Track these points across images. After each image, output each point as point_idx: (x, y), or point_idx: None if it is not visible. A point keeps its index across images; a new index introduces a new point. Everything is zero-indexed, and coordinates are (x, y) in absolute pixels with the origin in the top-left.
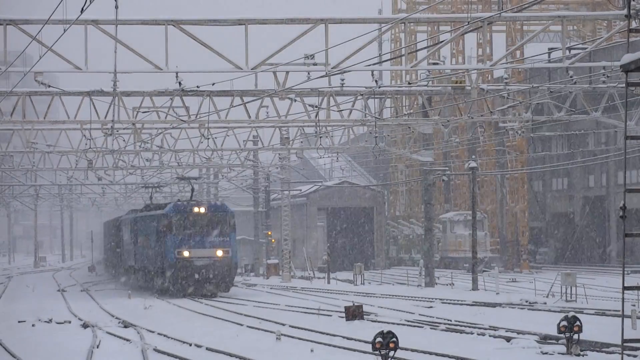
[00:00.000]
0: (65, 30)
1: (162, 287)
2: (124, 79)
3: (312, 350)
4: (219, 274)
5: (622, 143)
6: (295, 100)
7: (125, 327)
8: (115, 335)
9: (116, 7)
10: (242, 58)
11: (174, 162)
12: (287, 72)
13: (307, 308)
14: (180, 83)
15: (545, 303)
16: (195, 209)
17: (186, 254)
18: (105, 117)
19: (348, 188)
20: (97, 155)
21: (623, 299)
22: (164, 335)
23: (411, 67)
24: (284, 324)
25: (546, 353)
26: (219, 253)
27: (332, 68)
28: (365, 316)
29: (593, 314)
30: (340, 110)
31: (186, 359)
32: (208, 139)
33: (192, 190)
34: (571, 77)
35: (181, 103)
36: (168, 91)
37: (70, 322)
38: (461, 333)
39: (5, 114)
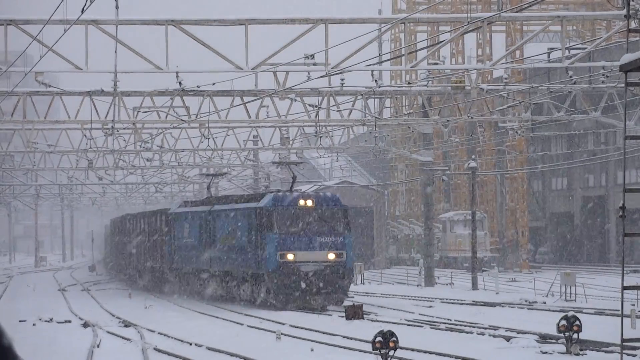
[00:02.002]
0: (65, 31)
1: (253, 296)
2: (125, 79)
3: (312, 350)
4: (331, 282)
5: (621, 143)
6: (295, 100)
7: (126, 326)
8: (115, 335)
9: (116, 7)
10: (242, 58)
11: (174, 162)
12: (287, 72)
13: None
14: (180, 83)
15: (544, 302)
16: (301, 202)
17: (290, 257)
18: (106, 117)
19: (348, 188)
20: (97, 155)
21: (622, 298)
22: (165, 335)
23: (411, 67)
24: (283, 324)
25: (546, 352)
26: (331, 256)
27: (332, 68)
28: (365, 316)
29: (592, 314)
30: (340, 110)
31: (186, 359)
32: (208, 138)
33: (294, 179)
34: (571, 77)
35: (181, 103)
36: (168, 91)
37: (70, 321)
38: (461, 332)
39: (6, 113)
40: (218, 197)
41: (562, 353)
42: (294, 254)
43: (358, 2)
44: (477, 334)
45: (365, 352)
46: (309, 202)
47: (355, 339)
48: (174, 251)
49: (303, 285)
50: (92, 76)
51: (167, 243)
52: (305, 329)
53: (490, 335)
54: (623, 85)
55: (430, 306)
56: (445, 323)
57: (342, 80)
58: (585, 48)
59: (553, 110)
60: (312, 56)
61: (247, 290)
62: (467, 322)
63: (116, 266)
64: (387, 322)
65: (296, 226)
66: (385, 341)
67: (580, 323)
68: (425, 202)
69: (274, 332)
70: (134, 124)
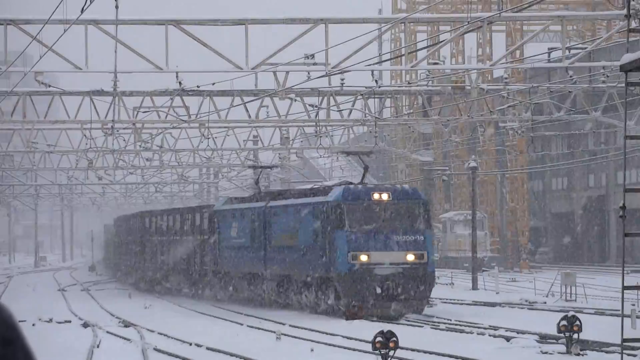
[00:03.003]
0: (65, 30)
1: (317, 303)
2: (124, 79)
3: (312, 350)
4: (409, 287)
5: (621, 143)
6: (295, 100)
7: (126, 326)
8: (115, 335)
9: (116, 7)
10: (242, 58)
11: (174, 162)
12: (287, 72)
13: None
14: (180, 83)
15: (545, 302)
16: (376, 195)
17: (364, 258)
18: (106, 117)
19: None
20: (97, 155)
21: (622, 298)
22: (164, 335)
23: (411, 67)
24: (284, 324)
25: (546, 352)
26: (410, 257)
27: (332, 68)
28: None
29: (593, 314)
30: (340, 110)
31: (186, 359)
32: (208, 138)
33: (366, 169)
34: (571, 77)
35: (181, 103)
36: (168, 91)
37: (70, 321)
38: (461, 332)
39: (5, 113)
40: (272, 192)
41: (562, 353)
42: (368, 255)
43: (358, 2)
44: (477, 334)
45: (365, 352)
46: (384, 196)
47: (355, 339)
48: (219, 252)
49: (378, 290)
50: (92, 76)
51: (210, 243)
52: (305, 329)
53: (490, 335)
54: (623, 85)
55: (431, 306)
56: (445, 323)
57: (342, 80)
58: (585, 48)
59: (553, 110)
60: (312, 56)
61: (310, 296)
62: (468, 322)
63: (127, 268)
64: (387, 322)
65: (370, 223)
66: (385, 341)
67: (581, 323)
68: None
69: (274, 332)
70: (134, 124)
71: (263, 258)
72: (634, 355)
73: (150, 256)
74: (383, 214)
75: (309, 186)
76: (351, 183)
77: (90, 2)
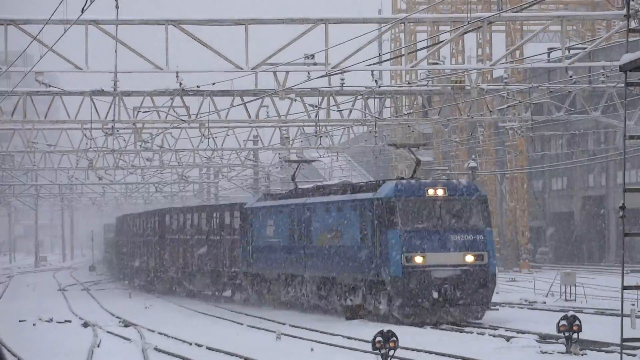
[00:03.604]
0: (65, 30)
1: (366, 307)
2: (125, 79)
3: (312, 350)
4: (469, 291)
5: (621, 143)
6: (295, 100)
7: (126, 326)
8: (115, 335)
9: (116, 7)
10: (242, 58)
11: (175, 162)
12: (287, 72)
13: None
14: (180, 83)
15: (544, 302)
16: (430, 191)
17: (419, 260)
18: (106, 117)
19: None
20: (97, 155)
21: (622, 298)
22: (165, 335)
23: (411, 67)
24: (284, 324)
25: (546, 352)
26: (469, 258)
27: (332, 68)
28: (365, 315)
29: (592, 313)
30: (340, 110)
31: (186, 358)
32: (208, 138)
33: (418, 163)
34: (571, 77)
35: (181, 103)
36: (168, 91)
37: (70, 321)
38: (461, 332)
39: (6, 113)
40: (311, 188)
41: (562, 353)
42: (424, 256)
43: (358, 2)
44: (477, 334)
45: (365, 352)
46: (440, 191)
47: (355, 339)
48: (252, 252)
49: (435, 295)
50: (92, 76)
51: (241, 243)
52: (306, 328)
53: (490, 335)
54: (623, 85)
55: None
56: (445, 323)
57: (342, 80)
58: (585, 48)
59: (553, 110)
60: (312, 56)
61: (356, 300)
62: (467, 322)
63: (136, 269)
64: (387, 322)
65: (425, 221)
66: (386, 341)
67: (580, 323)
68: None
69: (274, 332)
70: (134, 124)
71: (302, 259)
72: (634, 355)
73: (171, 256)
74: (439, 211)
75: (355, 181)
76: (402, 178)
77: (91, 2)
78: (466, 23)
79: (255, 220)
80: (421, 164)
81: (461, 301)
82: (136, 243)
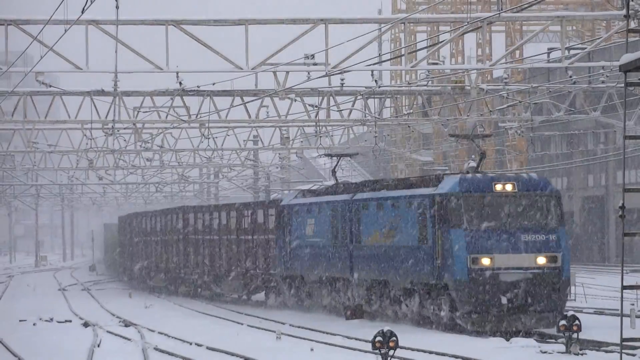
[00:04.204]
0: (66, 31)
1: (421, 314)
2: (125, 79)
3: (312, 350)
4: (541, 296)
5: (621, 143)
6: (295, 100)
7: (126, 326)
8: (116, 335)
9: (117, 7)
10: (242, 58)
11: (175, 162)
12: (287, 72)
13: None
14: (180, 83)
15: None
16: (499, 186)
17: (486, 262)
18: (106, 117)
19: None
20: (97, 155)
21: (622, 298)
22: (165, 334)
23: (411, 67)
24: (284, 323)
25: (545, 352)
26: (541, 260)
27: (332, 68)
28: (364, 315)
29: (592, 313)
30: (340, 110)
31: (187, 358)
32: (208, 138)
33: (483, 155)
34: (571, 77)
35: (182, 103)
36: (168, 91)
37: (71, 321)
38: (461, 332)
39: (6, 113)
40: (359, 183)
41: (562, 353)
42: (491, 258)
43: (358, 2)
44: (477, 333)
45: (365, 352)
46: (509, 186)
47: (355, 339)
48: (289, 253)
49: (504, 300)
50: (92, 76)
51: (277, 243)
52: (305, 328)
53: (490, 335)
54: (623, 85)
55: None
56: (445, 322)
57: (342, 80)
58: (585, 48)
59: (553, 110)
60: (312, 56)
61: (413, 306)
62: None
63: (149, 270)
64: (387, 322)
65: (493, 219)
66: (385, 341)
67: (580, 323)
68: None
69: (274, 331)
70: (134, 124)
71: (349, 260)
72: (634, 355)
73: (196, 258)
74: (508, 208)
75: (412, 176)
76: (467, 172)
77: (91, 3)
78: (466, 23)
79: (293, 218)
80: (485, 157)
81: (532, 308)
82: (151, 243)
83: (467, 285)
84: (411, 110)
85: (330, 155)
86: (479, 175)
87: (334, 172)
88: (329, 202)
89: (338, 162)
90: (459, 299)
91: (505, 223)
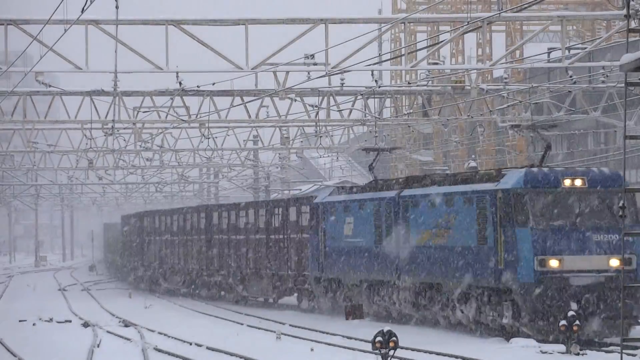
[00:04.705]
0: (65, 30)
1: (477, 320)
2: (125, 79)
3: (312, 350)
4: (614, 302)
5: (621, 143)
6: (295, 100)
7: (126, 326)
8: (115, 335)
9: (116, 7)
10: (242, 58)
11: (175, 162)
12: (287, 72)
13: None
14: (180, 83)
15: None
16: (568, 181)
17: (554, 264)
18: (106, 117)
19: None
20: (97, 154)
21: (622, 297)
22: (165, 335)
23: (411, 67)
24: (284, 324)
25: (546, 352)
26: (614, 263)
27: (332, 68)
28: (365, 315)
29: None
30: (340, 110)
31: (187, 358)
32: (208, 138)
33: (548, 147)
34: (571, 77)
35: (181, 103)
36: (168, 91)
37: (70, 321)
38: (461, 332)
39: (6, 113)
40: (404, 179)
41: (562, 353)
42: (560, 260)
43: (358, 2)
44: (477, 333)
45: (365, 352)
46: (578, 181)
47: (355, 339)
48: (325, 254)
49: (574, 306)
50: (92, 76)
51: (311, 243)
52: (306, 328)
53: (490, 335)
54: (623, 85)
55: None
56: (445, 322)
57: (342, 80)
58: (585, 48)
59: (553, 110)
60: (312, 56)
61: (469, 312)
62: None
63: (165, 272)
64: (387, 322)
65: (562, 217)
66: (385, 341)
67: (580, 323)
68: None
69: (274, 332)
70: (134, 124)
71: (395, 262)
72: (634, 355)
73: (220, 258)
74: (578, 205)
75: (464, 171)
76: (532, 165)
77: (91, 2)
78: (466, 23)
79: (330, 216)
80: (549, 151)
81: (604, 314)
82: (167, 243)
83: (533, 290)
84: (411, 110)
85: (368, 150)
86: (545, 169)
87: (371, 167)
88: (372, 200)
89: (377, 157)
90: (524, 305)
91: (575, 222)
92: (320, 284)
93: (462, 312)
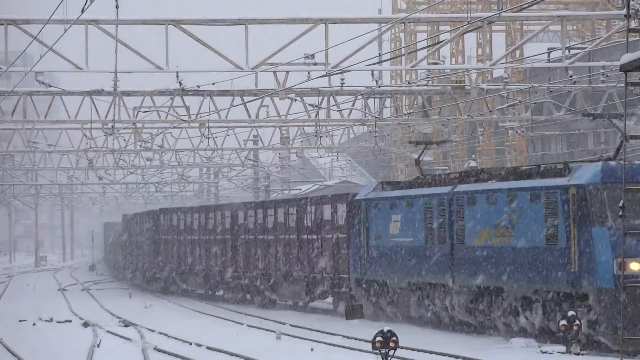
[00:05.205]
0: (65, 30)
1: (543, 328)
2: (125, 79)
3: (312, 350)
4: None
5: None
6: (295, 100)
7: (126, 326)
8: (115, 335)
9: (116, 7)
10: (242, 58)
11: (175, 162)
12: (287, 72)
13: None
14: (180, 83)
15: None
16: None
17: (635, 267)
18: (106, 117)
19: (348, 187)
20: (97, 154)
21: (623, 297)
22: (165, 335)
23: (411, 67)
24: (284, 323)
25: (546, 352)
26: None
27: (332, 68)
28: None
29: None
30: (340, 110)
31: (187, 358)
32: (208, 138)
33: (626, 138)
34: (571, 77)
35: (181, 103)
36: (168, 91)
37: (71, 321)
38: (461, 332)
39: (6, 113)
40: (458, 174)
41: (562, 353)
42: None
43: (358, 2)
44: (477, 333)
45: (365, 352)
46: None
47: (355, 339)
48: (367, 255)
49: None
50: (92, 76)
51: (351, 242)
52: (306, 328)
53: (490, 335)
54: (623, 85)
55: None
56: (445, 322)
57: (342, 80)
58: (585, 48)
59: (553, 110)
60: (312, 56)
61: (534, 319)
62: (468, 321)
63: (183, 273)
64: (387, 322)
65: None
66: (385, 341)
67: (581, 323)
68: None
69: (274, 332)
70: (134, 123)
71: (448, 264)
72: (634, 355)
73: (247, 260)
74: None
75: (528, 165)
76: (609, 158)
77: (91, 2)
78: (466, 23)
79: (372, 214)
80: (628, 139)
81: None
82: (185, 243)
83: (612, 295)
84: (411, 110)
85: (416, 143)
86: (622, 163)
87: (417, 161)
88: (423, 196)
89: (424, 150)
90: (603, 312)
91: None
92: (361, 286)
93: (527, 319)
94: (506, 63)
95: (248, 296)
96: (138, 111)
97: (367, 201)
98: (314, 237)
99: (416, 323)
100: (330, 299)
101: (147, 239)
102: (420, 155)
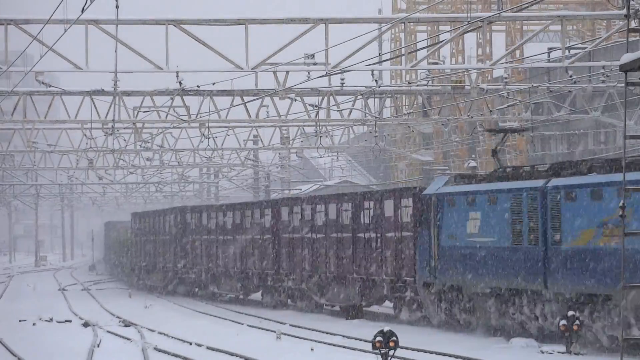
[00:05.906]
0: (65, 30)
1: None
2: (125, 79)
3: (312, 349)
4: None
5: (621, 143)
6: (295, 100)
7: (126, 326)
8: (116, 335)
9: (117, 6)
10: (242, 58)
11: (175, 162)
12: (287, 72)
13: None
14: (180, 83)
15: None
16: None
17: None
18: (106, 117)
19: (348, 187)
20: (97, 154)
21: (623, 297)
22: (165, 335)
23: (411, 67)
24: (284, 323)
25: (546, 352)
26: None
27: (332, 68)
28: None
29: None
30: (340, 110)
31: (187, 358)
32: (208, 138)
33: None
34: (571, 76)
35: (181, 103)
36: (168, 91)
37: (71, 321)
38: (461, 332)
39: (6, 113)
40: (550, 166)
41: (562, 353)
42: None
43: (358, 2)
44: (477, 333)
45: (365, 352)
46: None
47: (355, 339)
48: (438, 256)
49: None
50: (92, 76)
51: (418, 242)
52: (306, 328)
53: (490, 335)
54: (623, 85)
55: None
56: (445, 322)
57: (342, 80)
58: (585, 48)
59: (553, 110)
60: (312, 56)
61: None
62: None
63: (215, 274)
64: (387, 322)
65: None
66: (385, 341)
67: (581, 323)
68: None
69: (274, 331)
70: (134, 123)
71: (541, 267)
72: (634, 355)
73: (291, 261)
74: None
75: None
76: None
77: (91, 2)
78: (466, 23)
79: (446, 210)
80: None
81: None
82: (215, 243)
83: None
84: (411, 110)
85: (494, 131)
86: None
87: (494, 152)
88: (508, 191)
89: (503, 139)
90: None
91: None
92: (430, 291)
93: None
94: (506, 63)
95: (289, 300)
96: (138, 111)
97: (438, 196)
98: (372, 235)
99: (496, 333)
100: (388, 304)
101: (157, 239)
102: (499, 145)
